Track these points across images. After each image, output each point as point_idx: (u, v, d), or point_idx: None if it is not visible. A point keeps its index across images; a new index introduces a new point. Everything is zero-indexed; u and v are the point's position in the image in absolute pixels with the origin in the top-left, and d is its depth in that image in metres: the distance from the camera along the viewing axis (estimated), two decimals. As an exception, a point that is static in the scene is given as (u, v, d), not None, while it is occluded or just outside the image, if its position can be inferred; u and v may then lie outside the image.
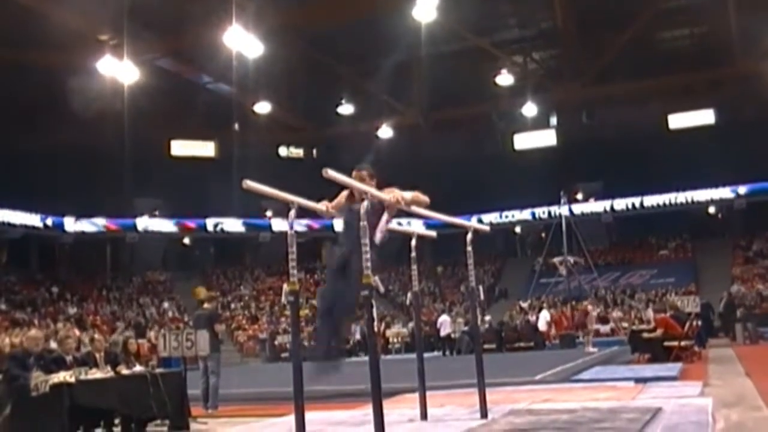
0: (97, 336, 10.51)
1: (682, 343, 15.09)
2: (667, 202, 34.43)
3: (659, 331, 15.19)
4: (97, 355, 8.24)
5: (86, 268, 34.67)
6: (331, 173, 4.55)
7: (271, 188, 4.74)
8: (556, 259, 27.77)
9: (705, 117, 35.62)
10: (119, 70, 24.35)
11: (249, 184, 4.55)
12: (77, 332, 14.45)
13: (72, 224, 32.07)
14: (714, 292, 28.01)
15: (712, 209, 35.73)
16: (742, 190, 33.27)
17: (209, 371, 10.26)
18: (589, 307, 24.66)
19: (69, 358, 7.57)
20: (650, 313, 21.83)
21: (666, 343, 14.93)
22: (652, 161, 32.97)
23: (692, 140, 32.96)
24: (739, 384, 10.09)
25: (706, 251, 34.07)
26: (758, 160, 30.59)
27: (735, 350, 18.14)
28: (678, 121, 35.97)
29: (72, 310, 29.21)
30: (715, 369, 12.92)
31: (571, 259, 27.70)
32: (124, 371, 8.18)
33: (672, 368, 12.36)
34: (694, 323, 17.63)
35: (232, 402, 10.84)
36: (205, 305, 11.20)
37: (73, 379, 7.00)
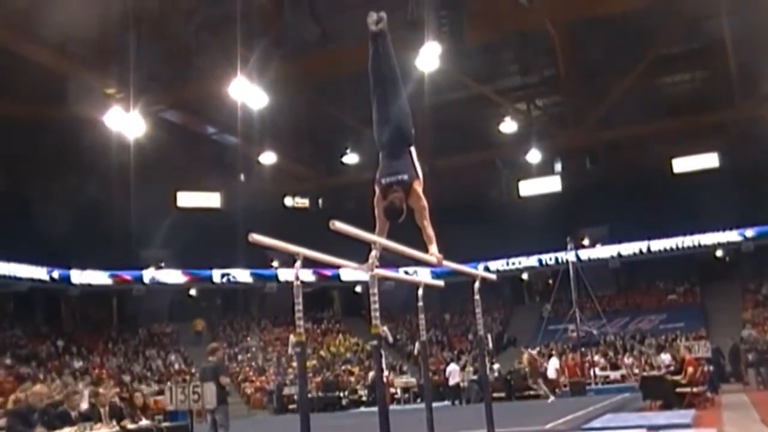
0: (101, 390, 10.42)
1: (695, 389, 14.93)
2: (674, 246, 34.25)
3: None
4: (102, 410, 8.15)
5: (92, 321, 34.54)
6: (337, 225, 4.54)
7: (276, 240, 4.72)
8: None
9: (709, 160, 35.71)
10: (126, 122, 24.53)
11: (255, 237, 4.54)
12: (82, 387, 14.35)
13: (78, 277, 32.01)
14: (724, 336, 27.79)
15: (719, 252, 35.51)
16: (750, 233, 33.12)
17: (218, 424, 10.14)
18: (533, 353, 24.49)
19: (74, 414, 7.49)
20: (664, 358, 21.65)
21: (679, 389, 14.78)
22: (658, 205, 32.96)
23: (697, 184, 32.95)
24: (755, 431, 9.93)
25: (715, 295, 33.82)
26: (764, 203, 30.52)
27: (748, 396, 17.90)
28: (682, 164, 36.04)
29: (77, 364, 29.00)
30: (729, 416, 12.72)
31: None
32: (129, 426, 8.08)
33: (685, 415, 12.19)
34: (706, 368, 17.48)
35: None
36: (210, 357, 11.10)
37: (77, 435, 6.92)
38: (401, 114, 6.08)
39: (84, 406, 7.93)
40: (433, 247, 5.77)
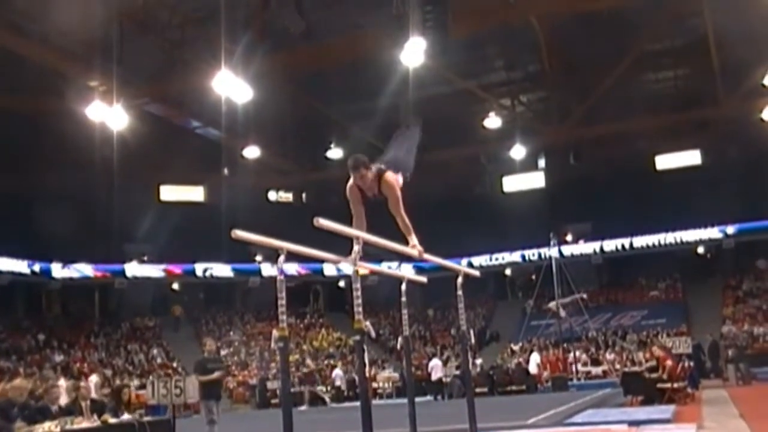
0: (83, 384, 10.36)
1: (675, 385, 15.06)
2: (656, 243, 34.49)
3: (669, 363, 15.24)
4: (83, 404, 8.10)
5: (74, 315, 34.36)
6: (322, 222, 4.54)
7: (259, 235, 4.71)
8: (551, 305, 27.61)
9: (692, 157, 35.95)
10: (108, 115, 24.35)
11: (238, 233, 4.52)
12: (64, 381, 14.23)
13: (59, 270, 31.81)
14: (705, 333, 28.05)
15: (701, 249, 35.81)
16: (731, 229, 33.41)
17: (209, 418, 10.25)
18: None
19: (54, 408, 7.44)
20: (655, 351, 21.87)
21: (659, 385, 14.92)
22: (641, 202, 33.14)
23: (680, 180, 33.21)
24: (734, 426, 10.03)
25: (697, 291, 34.09)
26: (745, 200, 30.79)
27: (728, 391, 18.07)
28: (665, 161, 36.25)
29: (59, 358, 28.84)
30: (708, 411, 12.84)
31: (568, 299, 27.64)
32: (111, 420, 8.03)
33: (665, 410, 12.30)
34: (686, 364, 17.64)
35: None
36: (205, 353, 11.28)
37: (58, 430, 6.87)
38: (406, 157, 6.35)
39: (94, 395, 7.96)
40: (413, 239, 5.77)
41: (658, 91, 34.48)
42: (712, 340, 26.51)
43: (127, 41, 23.44)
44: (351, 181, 5.97)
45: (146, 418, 8.63)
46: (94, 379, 20.16)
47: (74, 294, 34.42)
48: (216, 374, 10.71)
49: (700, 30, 27.21)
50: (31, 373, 22.58)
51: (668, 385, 14.94)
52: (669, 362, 15.41)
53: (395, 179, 5.87)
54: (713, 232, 33.84)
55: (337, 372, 28.54)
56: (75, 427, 7.28)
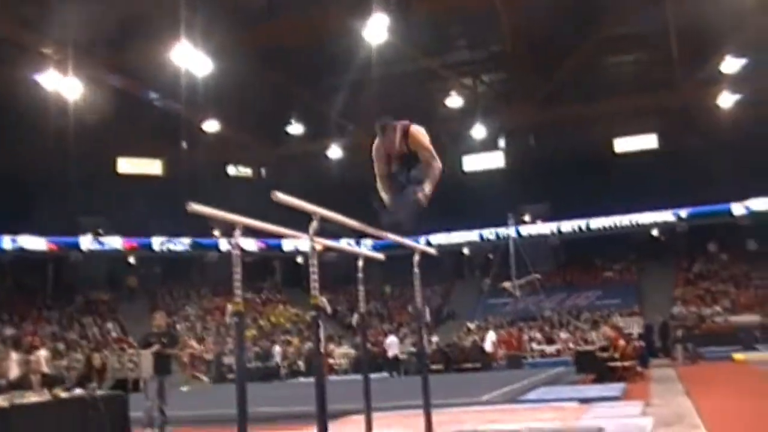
0: (33, 357, 10.23)
1: (626, 364, 15.38)
2: (612, 225, 34.99)
3: (621, 343, 15.56)
4: (34, 378, 7.99)
5: (27, 288, 33.76)
6: (280, 196, 4.50)
7: (217, 209, 4.65)
8: (506, 284, 27.83)
9: (648, 141, 36.46)
10: (63, 85, 23.86)
11: (194, 207, 4.46)
12: (15, 355, 14.03)
13: (9, 242, 31.21)
14: (657, 314, 28.58)
15: (655, 232, 36.43)
16: (684, 213, 34.00)
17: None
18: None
19: (2, 382, 7.33)
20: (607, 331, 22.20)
21: (611, 364, 15.22)
22: (599, 184, 33.51)
23: (637, 164, 33.68)
24: (679, 403, 10.28)
25: (650, 273, 34.67)
26: (699, 184, 31.31)
27: (676, 370, 18.49)
28: (623, 145, 36.74)
29: (9, 331, 28.36)
30: (656, 388, 13.15)
31: (523, 280, 27.86)
32: (63, 394, 7.93)
33: (615, 388, 12.57)
34: (637, 344, 18.02)
35: (177, 425, 10.64)
36: (153, 327, 11.15)
37: (7, 404, 6.76)
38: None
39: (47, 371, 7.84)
40: (428, 188, 5.67)
41: (619, 75, 34.84)
42: (662, 321, 27.06)
43: (84, 7, 22.92)
44: (377, 141, 5.89)
45: (98, 392, 8.52)
46: (43, 353, 19.87)
47: (27, 267, 33.81)
48: (155, 348, 10.56)
49: (661, 17, 27.49)
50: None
51: (619, 363, 15.25)
52: (621, 342, 15.75)
53: (421, 130, 5.81)
54: (667, 215, 34.41)
55: (276, 349, 28.97)
56: (25, 401, 7.18)
